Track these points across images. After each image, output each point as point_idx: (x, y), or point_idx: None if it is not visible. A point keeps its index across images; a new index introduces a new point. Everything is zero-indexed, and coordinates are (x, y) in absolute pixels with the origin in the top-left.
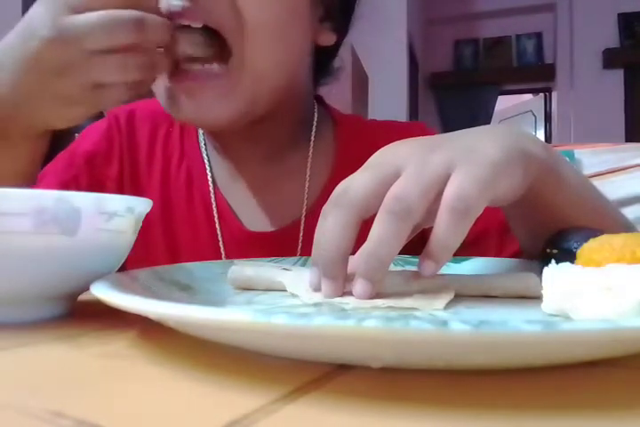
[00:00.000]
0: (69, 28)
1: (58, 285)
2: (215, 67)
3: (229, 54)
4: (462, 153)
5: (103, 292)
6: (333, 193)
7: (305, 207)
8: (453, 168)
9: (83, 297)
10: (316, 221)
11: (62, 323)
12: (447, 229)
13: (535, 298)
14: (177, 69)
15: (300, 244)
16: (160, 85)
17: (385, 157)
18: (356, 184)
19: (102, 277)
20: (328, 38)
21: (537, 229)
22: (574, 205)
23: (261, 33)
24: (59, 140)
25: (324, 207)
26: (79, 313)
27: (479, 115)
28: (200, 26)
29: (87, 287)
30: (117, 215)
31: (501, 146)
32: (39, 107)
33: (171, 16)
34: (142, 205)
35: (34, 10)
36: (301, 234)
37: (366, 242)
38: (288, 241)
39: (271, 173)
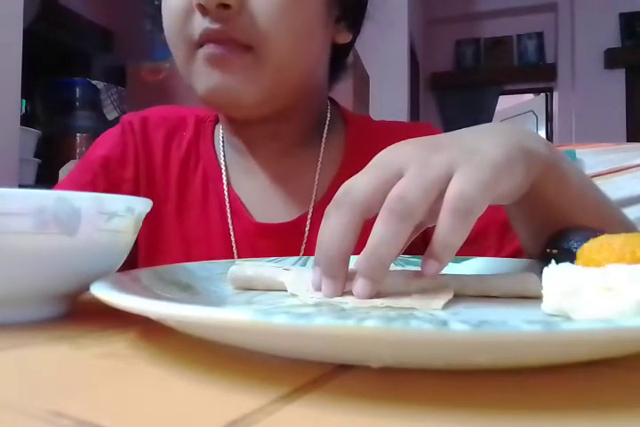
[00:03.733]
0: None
1: (58, 285)
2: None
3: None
4: (464, 154)
5: (103, 292)
6: (337, 193)
7: (313, 202)
8: (455, 169)
9: (83, 297)
10: (322, 215)
11: (62, 323)
12: (449, 230)
13: (535, 298)
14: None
15: (306, 237)
16: (189, 66)
17: (388, 158)
18: (358, 184)
19: (102, 277)
20: (344, 37)
21: (538, 227)
22: (576, 204)
23: (282, 42)
24: (60, 140)
25: (327, 207)
26: (79, 313)
27: (480, 115)
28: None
29: (87, 287)
30: (117, 215)
31: (503, 145)
32: None
33: (203, 38)
34: (142, 205)
35: None
36: (307, 227)
37: (368, 241)
38: (295, 233)
39: (284, 169)
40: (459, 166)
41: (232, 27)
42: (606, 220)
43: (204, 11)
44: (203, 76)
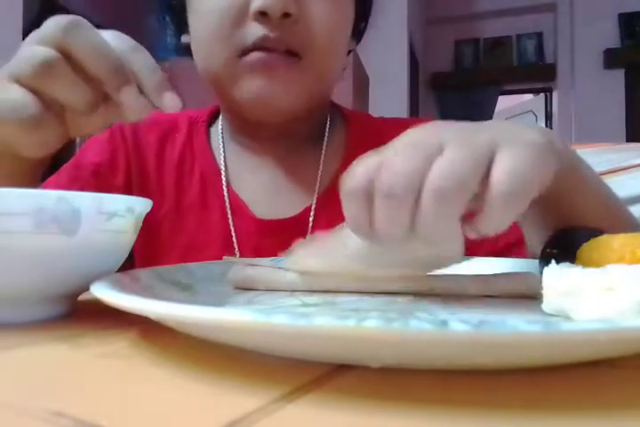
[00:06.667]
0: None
1: (58, 285)
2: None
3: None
4: (504, 134)
5: (103, 292)
6: (364, 170)
7: (316, 193)
8: (497, 149)
9: (83, 297)
10: (325, 209)
11: (62, 323)
12: (499, 215)
13: (535, 298)
14: (244, 54)
15: (310, 229)
16: (226, 68)
17: (421, 136)
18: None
19: (102, 277)
20: (352, 44)
21: (551, 227)
22: (589, 200)
23: (329, 50)
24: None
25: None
26: (79, 313)
27: (480, 115)
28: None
29: (87, 287)
30: (117, 215)
31: (534, 132)
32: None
33: (257, 45)
34: (142, 205)
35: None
36: (312, 218)
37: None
38: (298, 228)
39: (287, 165)
40: (500, 146)
41: (288, 35)
42: (617, 220)
43: (264, 18)
44: (249, 82)
